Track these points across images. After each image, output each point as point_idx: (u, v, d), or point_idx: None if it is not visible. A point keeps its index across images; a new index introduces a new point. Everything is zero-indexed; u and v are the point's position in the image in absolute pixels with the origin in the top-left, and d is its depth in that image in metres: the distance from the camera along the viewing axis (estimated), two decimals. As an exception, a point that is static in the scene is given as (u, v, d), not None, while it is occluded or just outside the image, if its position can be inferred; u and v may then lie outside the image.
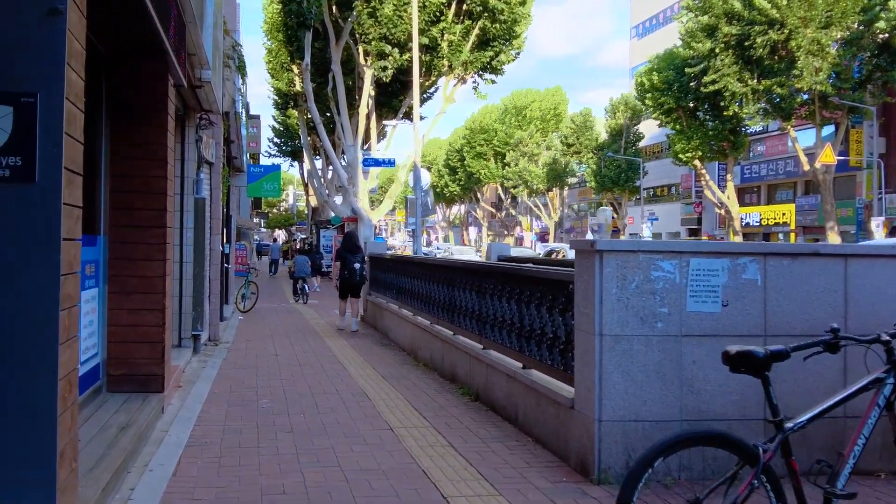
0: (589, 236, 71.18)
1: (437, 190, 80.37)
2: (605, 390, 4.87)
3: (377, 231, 33.49)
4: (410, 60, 28.13)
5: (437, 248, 63.93)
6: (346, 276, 13.52)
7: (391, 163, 25.14)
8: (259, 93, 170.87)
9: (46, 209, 2.99)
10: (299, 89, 36.97)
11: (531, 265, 7.06)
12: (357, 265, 13.50)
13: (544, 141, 74.04)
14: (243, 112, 15.36)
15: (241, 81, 12.87)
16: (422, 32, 25.37)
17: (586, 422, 4.97)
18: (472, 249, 62.82)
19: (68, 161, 3.13)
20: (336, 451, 5.49)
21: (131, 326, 6.40)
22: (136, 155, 6.40)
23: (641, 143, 62.34)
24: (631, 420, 4.87)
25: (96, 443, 4.94)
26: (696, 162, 48.96)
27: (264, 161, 43.27)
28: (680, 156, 48.22)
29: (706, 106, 46.44)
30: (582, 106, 73.66)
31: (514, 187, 75.46)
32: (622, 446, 4.86)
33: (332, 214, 40.26)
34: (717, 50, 42.28)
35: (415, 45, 21.22)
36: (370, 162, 24.85)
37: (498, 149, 77.66)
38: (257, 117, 36.84)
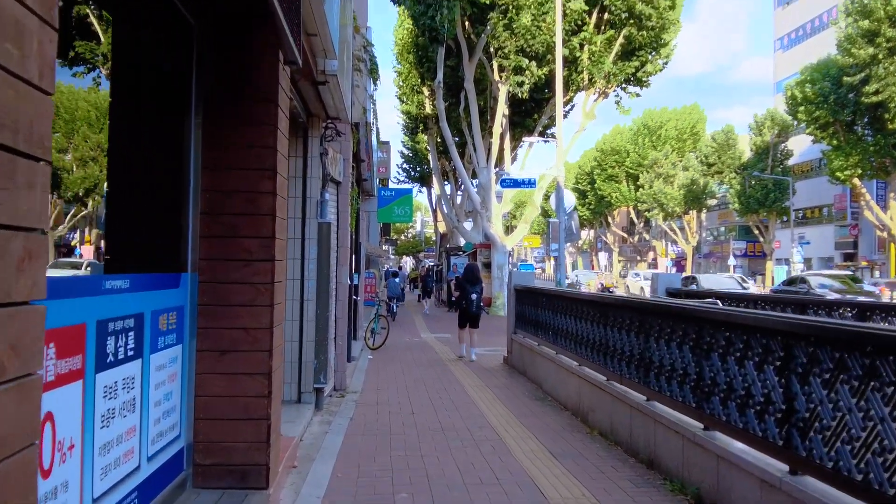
0: (731, 262, 66.71)
1: (567, 214, 77.62)
2: None
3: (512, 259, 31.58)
4: (548, 74, 26.24)
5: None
6: (465, 305, 14.14)
7: (532, 183, 23.16)
8: (387, 122, 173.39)
9: None
10: (429, 112, 35.81)
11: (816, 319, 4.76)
12: (474, 296, 14.08)
13: (680, 161, 70.37)
14: (375, 124, 13.76)
15: (372, 87, 11.29)
16: (562, 43, 23.38)
17: None
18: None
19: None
20: None
21: (227, 398, 4.66)
22: (236, 162, 4.69)
23: (790, 162, 57.77)
24: None
25: None
26: (855, 180, 44.74)
27: (393, 187, 42.33)
28: (837, 173, 44.18)
29: (865, 119, 42.38)
30: (716, 125, 69.44)
31: (648, 210, 72.03)
32: None
33: (462, 240, 38.75)
34: (879, 56, 38.46)
35: (558, 51, 19.23)
36: (508, 182, 22.96)
37: (630, 170, 74.63)
38: (387, 143, 36.06)
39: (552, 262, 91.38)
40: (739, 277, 31.05)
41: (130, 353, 3.74)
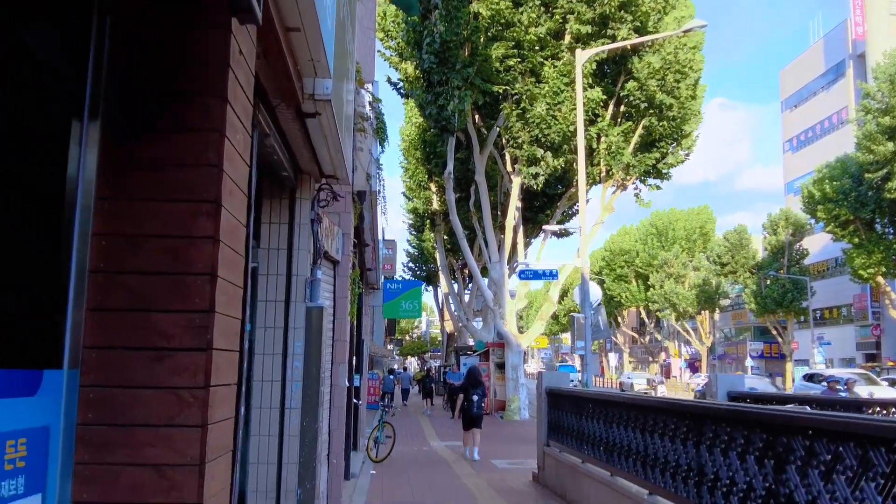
0: (748, 363, 64.30)
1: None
2: None
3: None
4: (564, 164, 24.91)
5: None
6: (466, 406, 14.79)
7: (553, 274, 21.32)
8: (394, 227, 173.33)
9: None
10: (437, 208, 34.58)
11: None
12: (476, 398, 14.68)
13: (691, 261, 69.20)
14: (381, 193, 12.03)
15: (379, 149, 9.66)
16: (576, 134, 22.05)
17: None
18: None
19: None
20: None
21: (120, 589, 2.70)
22: (151, 189, 2.90)
23: (806, 261, 56.28)
24: None
25: None
26: (879, 278, 43.24)
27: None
28: (860, 272, 42.72)
29: (886, 218, 41.27)
30: (721, 230, 68.70)
31: (660, 311, 70.33)
32: None
33: (471, 340, 36.84)
34: (901, 152, 37.96)
35: (580, 134, 17.80)
36: (528, 274, 21.10)
37: (640, 270, 73.36)
38: (393, 241, 34.81)
39: (559, 362, 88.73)
40: None
41: None
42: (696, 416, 5.67)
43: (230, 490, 3.89)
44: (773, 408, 5.52)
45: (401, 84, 27.56)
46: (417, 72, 24.04)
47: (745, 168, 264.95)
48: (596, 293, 17.24)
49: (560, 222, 30.24)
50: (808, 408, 8.06)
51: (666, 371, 76.33)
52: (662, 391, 43.77)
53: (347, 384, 9.03)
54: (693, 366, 75.30)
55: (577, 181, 24.87)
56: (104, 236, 2.86)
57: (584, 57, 19.01)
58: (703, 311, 68.00)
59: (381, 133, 8.98)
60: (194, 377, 2.79)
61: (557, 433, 10.34)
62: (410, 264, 51.22)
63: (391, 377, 31.43)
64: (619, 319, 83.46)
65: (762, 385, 27.10)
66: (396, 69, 26.63)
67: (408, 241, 50.66)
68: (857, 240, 42.20)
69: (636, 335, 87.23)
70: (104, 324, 2.82)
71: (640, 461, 6.82)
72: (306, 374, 6.34)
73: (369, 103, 8.42)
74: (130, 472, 2.75)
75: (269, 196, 6.30)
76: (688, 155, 26.52)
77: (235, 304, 3.18)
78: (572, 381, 14.45)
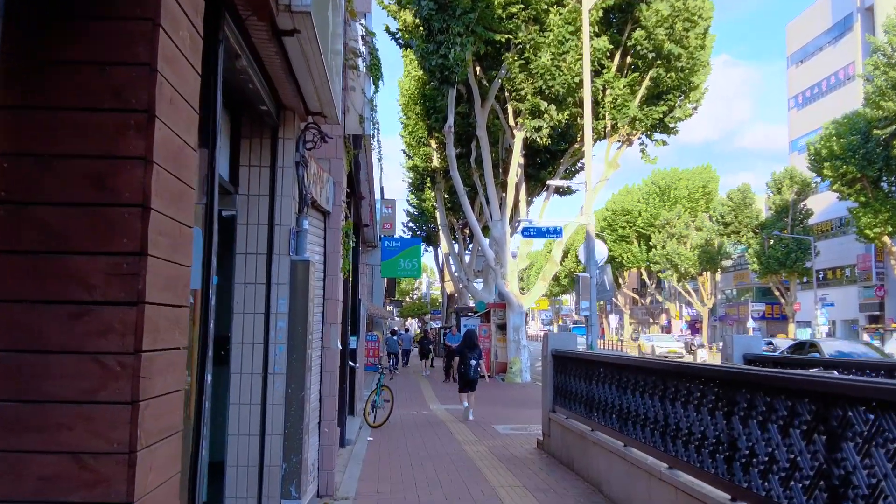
0: (750, 324, 63.95)
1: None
2: None
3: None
4: (569, 118, 24.09)
5: None
6: (463, 370, 15.00)
7: (558, 232, 20.54)
8: (393, 187, 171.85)
9: None
10: (437, 165, 33.77)
11: None
12: (473, 361, 14.91)
13: (693, 221, 68.41)
14: (376, 136, 11.21)
15: (373, 90, 8.89)
16: (581, 86, 21.21)
17: None
18: None
19: None
20: None
21: None
22: (68, 97, 2.23)
23: (810, 221, 55.50)
24: None
25: None
26: (885, 238, 42.61)
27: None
28: (866, 231, 42.06)
29: (893, 176, 40.52)
30: (724, 189, 67.79)
31: (662, 271, 69.79)
32: None
33: (471, 301, 36.32)
34: (910, 108, 37.27)
35: (586, 84, 17.00)
36: (532, 231, 20.37)
37: (642, 231, 72.61)
38: (392, 200, 34.06)
39: (560, 323, 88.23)
40: None
41: None
42: (727, 383, 5.03)
43: (193, 475, 3.28)
44: (821, 374, 4.89)
45: (399, 34, 26.57)
46: (416, 20, 23.09)
47: (747, 127, 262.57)
48: (602, 251, 16.58)
49: (563, 179, 29.48)
50: (835, 372, 7.46)
51: (667, 332, 76.09)
52: (703, 357, 40.19)
53: (341, 347, 8.41)
54: (694, 327, 75.08)
55: (581, 136, 24.17)
56: (7, 156, 2.20)
57: (590, 2, 18.10)
58: (704, 272, 67.41)
59: (375, 71, 8.19)
60: (122, 339, 2.15)
61: (564, 399, 9.74)
62: (410, 224, 50.57)
63: (394, 338, 31.15)
64: (620, 280, 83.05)
65: (854, 349, 19.00)
66: (395, 18, 25.61)
67: (407, 200, 49.96)
68: (863, 198, 41.52)
69: (637, 296, 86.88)
70: (7, 270, 2.17)
71: (660, 431, 6.19)
72: (291, 335, 5.71)
73: (362, 37, 7.67)
74: (42, 461, 2.12)
75: (248, 135, 5.62)
76: (696, 108, 25.64)
77: (183, 248, 2.52)
78: (580, 344, 13.71)
